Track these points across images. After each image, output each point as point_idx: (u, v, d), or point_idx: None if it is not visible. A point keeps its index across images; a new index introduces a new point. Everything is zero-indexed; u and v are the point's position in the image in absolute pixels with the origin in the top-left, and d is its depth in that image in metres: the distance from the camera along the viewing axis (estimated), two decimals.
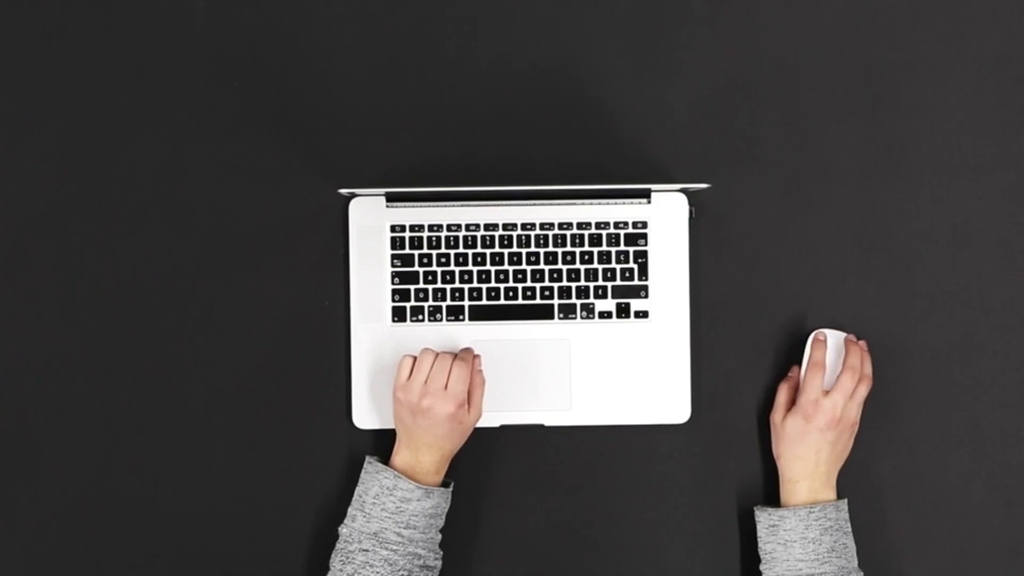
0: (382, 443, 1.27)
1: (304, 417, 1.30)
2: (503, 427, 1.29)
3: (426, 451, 1.21)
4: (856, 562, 1.22)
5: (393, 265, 1.29)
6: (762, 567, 1.23)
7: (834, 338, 1.27)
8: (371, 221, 1.29)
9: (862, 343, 1.27)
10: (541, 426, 1.29)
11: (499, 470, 1.30)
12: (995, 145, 1.31)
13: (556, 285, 1.29)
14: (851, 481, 1.29)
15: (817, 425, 1.21)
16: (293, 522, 1.29)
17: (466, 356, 1.23)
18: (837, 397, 1.22)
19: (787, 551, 1.20)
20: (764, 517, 1.23)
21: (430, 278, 1.29)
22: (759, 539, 1.23)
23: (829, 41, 1.31)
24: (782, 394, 1.26)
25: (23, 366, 1.30)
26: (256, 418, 1.30)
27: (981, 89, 1.31)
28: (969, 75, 1.31)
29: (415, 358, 1.22)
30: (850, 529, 1.23)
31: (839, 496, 1.24)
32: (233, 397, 1.30)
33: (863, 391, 1.23)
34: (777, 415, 1.25)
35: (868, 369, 1.25)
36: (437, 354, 1.21)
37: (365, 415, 1.29)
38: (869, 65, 1.31)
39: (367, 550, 1.18)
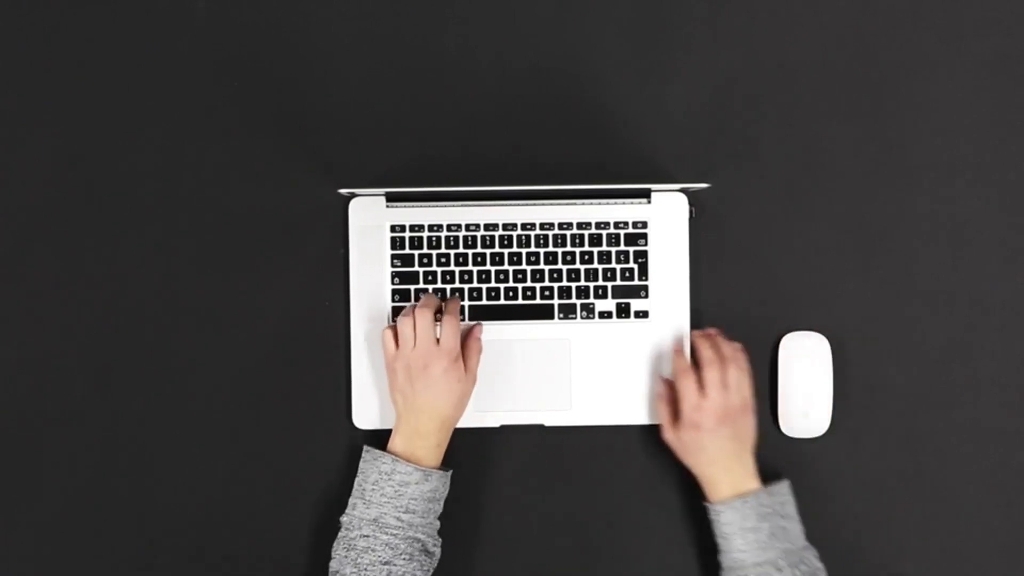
0: (382, 443, 1.27)
1: (304, 417, 1.30)
2: (503, 427, 1.29)
3: (426, 418, 1.21)
4: (803, 541, 1.21)
5: (393, 265, 1.29)
6: (719, 556, 1.23)
7: (808, 339, 1.28)
8: (371, 221, 1.29)
9: (709, 330, 1.27)
10: (541, 426, 1.29)
11: (499, 470, 1.30)
12: (995, 145, 1.31)
13: (556, 285, 1.29)
14: (852, 480, 1.29)
15: (708, 428, 1.21)
16: (293, 522, 1.29)
17: (452, 309, 1.23)
18: (713, 394, 1.21)
19: (729, 543, 1.20)
20: (708, 511, 1.23)
21: (430, 278, 1.29)
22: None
23: (829, 41, 1.31)
24: (663, 411, 1.26)
25: (23, 366, 1.30)
26: (256, 418, 1.30)
27: (981, 89, 1.31)
28: (969, 75, 1.31)
29: (394, 327, 1.23)
30: (791, 511, 1.22)
31: (779, 478, 1.23)
32: (233, 397, 1.30)
33: (734, 374, 1.23)
34: (668, 434, 1.25)
35: (727, 350, 1.24)
36: (414, 316, 1.21)
37: (365, 415, 1.29)
38: (869, 65, 1.31)
39: (367, 536, 1.18)
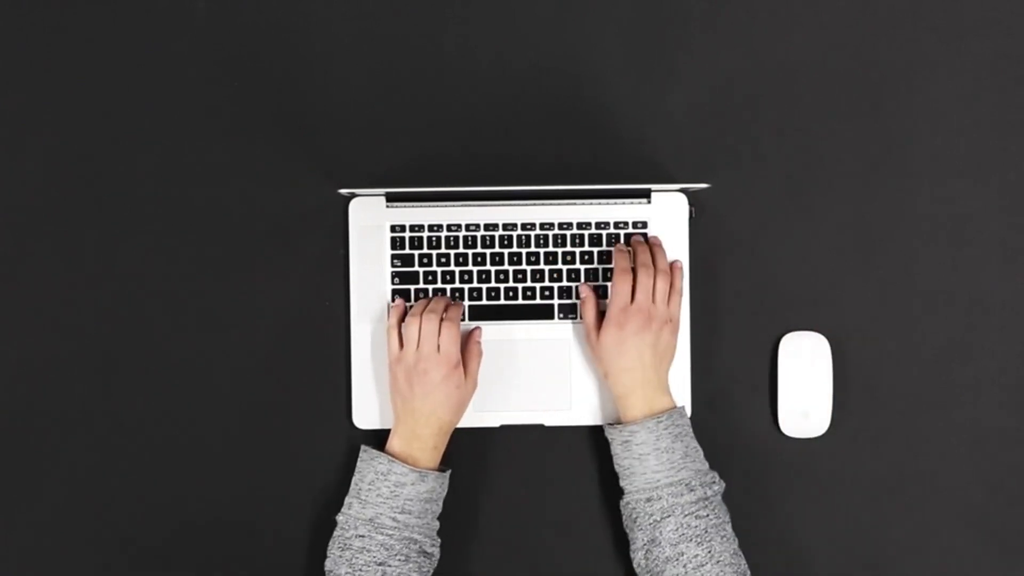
0: (382, 443, 1.27)
1: (304, 417, 1.30)
2: (503, 427, 1.29)
3: (423, 422, 1.21)
4: (707, 464, 1.22)
5: (393, 265, 1.29)
6: (622, 483, 1.22)
7: (808, 339, 1.28)
8: (371, 221, 1.29)
9: (653, 238, 1.27)
10: (541, 426, 1.29)
11: (499, 470, 1.30)
12: (995, 145, 1.31)
13: (556, 285, 1.29)
14: (852, 480, 1.29)
15: (631, 331, 1.21)
16: (293, 522, 1.29)
17: (453, 315, 1.23)
18: (640, 297, 1.21)
19: (643, 464, 1.19)
20: (616, 434, 1.22)
21: (430, 278, 1.29)
22: (614, 456, 1.23)
23: (829, 41, 1.31)
24: (588, 314, 1.26)
25: (23, 366, 1.30)
26: (256, 418, 1.30)
27: (981, 89, 1.31)
28: (969, 75, 1.31)
29: (399, 325, 1.23)
30: (693, 434, 1.23)
31: (674, 404, 1.24)
32: (233, 397, 1.30)
33: (662, 286, 1.23)
34: (592, 335, 1.25)
35: (662, 263, 1.24)
36: (421, 319, 1.22)
37: (365, 415, 1.29)
38: (869, 65, 1.31)
39: (363, 536, 1.18)
